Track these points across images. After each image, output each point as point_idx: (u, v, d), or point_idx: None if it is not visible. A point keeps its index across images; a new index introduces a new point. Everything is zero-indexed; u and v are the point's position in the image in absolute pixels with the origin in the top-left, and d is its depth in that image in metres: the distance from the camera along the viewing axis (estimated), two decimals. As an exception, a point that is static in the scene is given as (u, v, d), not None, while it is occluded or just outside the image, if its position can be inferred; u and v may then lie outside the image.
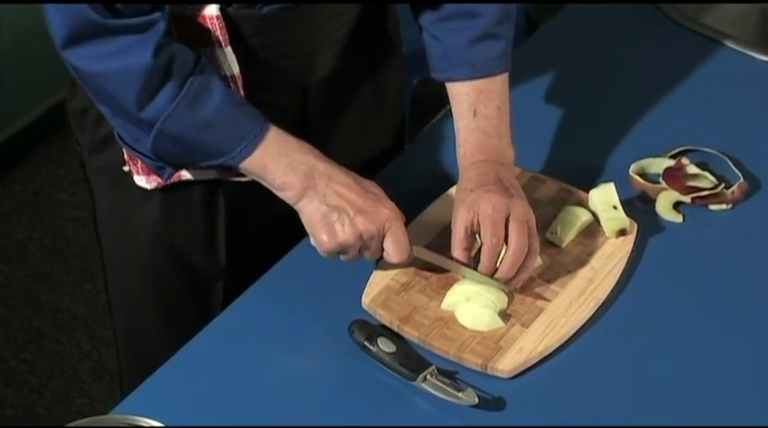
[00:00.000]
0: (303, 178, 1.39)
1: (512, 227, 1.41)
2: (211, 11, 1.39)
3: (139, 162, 1.47)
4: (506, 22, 1.53)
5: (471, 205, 1.43)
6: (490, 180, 1.45)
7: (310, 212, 1.40)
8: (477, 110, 1.50)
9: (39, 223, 2.96)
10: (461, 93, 1.52)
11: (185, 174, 1.49)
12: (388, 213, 1.39)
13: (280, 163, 1.39)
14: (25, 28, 2.96)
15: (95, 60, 1.34)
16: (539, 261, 1.47)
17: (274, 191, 1.41)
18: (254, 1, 1.41)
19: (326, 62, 1.53)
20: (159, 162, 1.43)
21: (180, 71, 1.35)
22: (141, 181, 1.50)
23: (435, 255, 1.45)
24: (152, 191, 1.51)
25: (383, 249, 1.41)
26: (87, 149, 1.58)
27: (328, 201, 1.38)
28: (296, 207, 1.41)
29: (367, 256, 1.42)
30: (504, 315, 1.42)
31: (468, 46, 1.51)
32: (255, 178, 1.41)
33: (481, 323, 1.40)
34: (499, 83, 1.52)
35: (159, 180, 1.49)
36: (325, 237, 1.39)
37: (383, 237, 1.40)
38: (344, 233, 1.38)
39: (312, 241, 1.42)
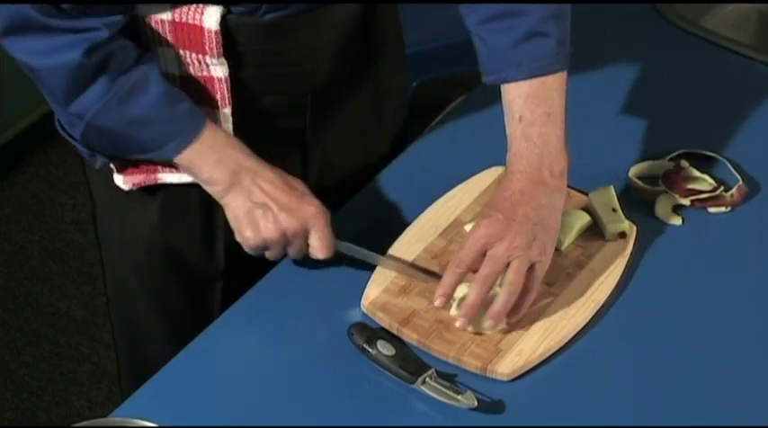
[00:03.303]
0: (230, 174, 1.40)
1: (497, 266, 1.37)
2: (210, 26, 1.39)
3: (117, 161, 1.48)
4: (555, 19, 1.46)
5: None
6: (505, 205, 1.39)
7: (235, 208, 1.41)
8: (522, 116, 1.44)
9: (38, 225, 2.96)
10: (510, 101, 1.46)
11: (163, 178, 1.49)
12: (312, 210, 1.41)
13: (209, 159, 1.40)
14: None
15: (30, 55, 1.35)
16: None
17: (201, 184, 1.42)
18: (259, 1, 1.41)
19: (327, 69, 1.53)
20: (90, 150, 1.45)
21: (116, 68, 1.36)
22: (119, 180, 1.50)
23: (362, 251, 1.46)
24: (150, 193, 1.51)
25: (308, 246, 1.43)
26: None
27: (253, 198, 1.40)
28: (221, 202, 1.43)
29: (291, 253, 1.43)
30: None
31: (514, 45, 1.45)
32: (185, 172, 1.43)
33: (477, 324, 1.40)
34: (549, 85, 1.45)
35: (135, 181, 1.49)
36: (249, 233, 1.41)
37: (308, 234, 1.41)
38: (268, 229, 1.40)
39: (237, 237, 1.43)
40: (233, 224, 1.43)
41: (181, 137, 1.39)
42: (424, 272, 1.45)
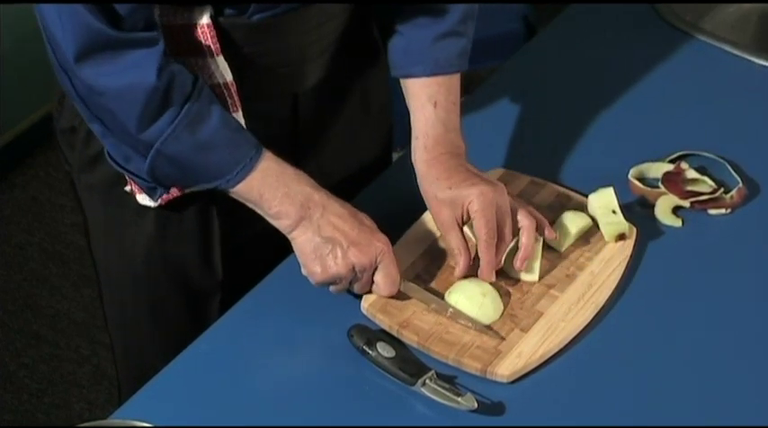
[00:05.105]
0: (299, 208, 1.40)
1: (505, 220, 1.44)
2: (203, 20, 1.39)
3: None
4: (470, 21, 1.54)
5: (456, 202, 1.44)
6: (465, 174, 1.46)
7: (303, 243, 1.41)
8: (437, 101, 1.51)
9: (38, 227, 2.96)
10: (421, 87, 1.52)
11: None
12: (380, 246, 1.40)
13: (277, 192, 1.39)
14: (25, 32, 2.96)
15: (103, 77, 1.34)
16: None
17: (268, 219, 1.42)
18: (248, 1, 1.41)
19: (316, 69, 1.53)
20: (152, 183, 1.44)
21: (179, 94, 1.35)
22: (144, 199, 1.49)
23: (423, 292, 1.44)
24: (146, 207, 1.50)
25: (373, 281, 1.43)
26: (77, 167, 1.56)
27: (322, 233, 1.39)
28: (289, 236, 1.42)
29: (356, 288, 1.43)
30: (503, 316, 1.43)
31: (433, 42, 1.52)
32: (250, 205, 1.42)
33: (485, 317, 1.41)
34: (455, 79, 1.53)
35: (165, 195, 1.48)
36: (317, 269, 1.40)
37: (374, 270, 1.41)
38: (337, 265, 1.39)
39: (304, 271, 1.42)
40: (300, 258, 1.42)
41: (244, 162, 1.38)
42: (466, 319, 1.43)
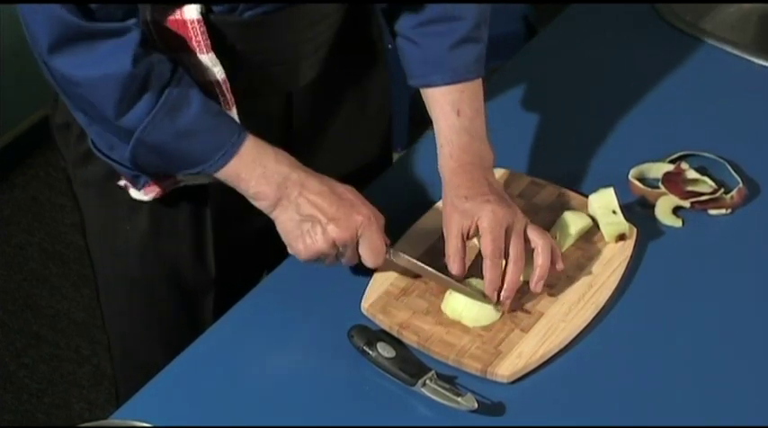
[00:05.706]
0: (276, 188, 1.40)
1: (514, 240, 1.42)
2: (192, 16, 1.38)
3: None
4: (484, 25, 1.53)
5: (468, 213, 1.43)
6: (485, 189, 1.45)
7: (284, 222, 1.41)
8: (460, 110, 1.50)
9: (38, 227, 2.96)
10: (443, 94, 1.51)
11: (181, 181, 1.49)
12: (360, 219, 1.40)
13: (254, 172, 1.39)
14: (25, 32, 2.95)
15: (78, 68, 1.34)
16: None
17: (250, 200, 1.42)
18: (237, 1, 1.41)
19: (310, 68, 1.53)
20: (136, 171, 1.44)
21: (158, 81, 1.35)
22: (138, 194, 1.49)
23: (422, 266, 1.44)
24: (139, 202, 1.51)
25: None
26: (72, 163, 1.57)
27: (301, 211, 1.39)
28: (271, 216, 1.42)
29: (344, 262, 1.43)
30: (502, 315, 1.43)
31: (449, 50, 1.51)
32: (233, 186, 1.42)
33: (484, 318, 1.41)
34: (476, 85, 1.52)
35: (156, 190, 1.49)
36: (300, 247, 1.41)
37: (358, 243, 1.41)
38: (318, 242, 1.39)
39: (289, 250, 1.43)
40: (284, 238, 1.42)
41: (226, 147, 1.38)
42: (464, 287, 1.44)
